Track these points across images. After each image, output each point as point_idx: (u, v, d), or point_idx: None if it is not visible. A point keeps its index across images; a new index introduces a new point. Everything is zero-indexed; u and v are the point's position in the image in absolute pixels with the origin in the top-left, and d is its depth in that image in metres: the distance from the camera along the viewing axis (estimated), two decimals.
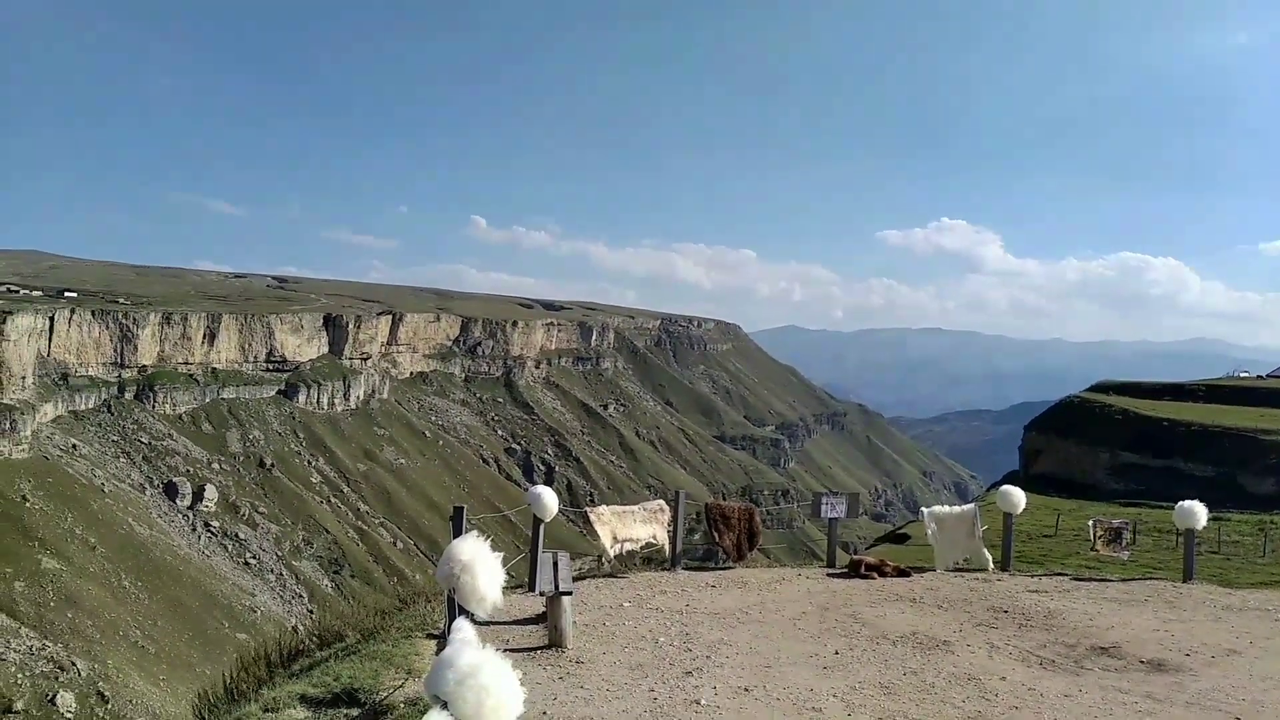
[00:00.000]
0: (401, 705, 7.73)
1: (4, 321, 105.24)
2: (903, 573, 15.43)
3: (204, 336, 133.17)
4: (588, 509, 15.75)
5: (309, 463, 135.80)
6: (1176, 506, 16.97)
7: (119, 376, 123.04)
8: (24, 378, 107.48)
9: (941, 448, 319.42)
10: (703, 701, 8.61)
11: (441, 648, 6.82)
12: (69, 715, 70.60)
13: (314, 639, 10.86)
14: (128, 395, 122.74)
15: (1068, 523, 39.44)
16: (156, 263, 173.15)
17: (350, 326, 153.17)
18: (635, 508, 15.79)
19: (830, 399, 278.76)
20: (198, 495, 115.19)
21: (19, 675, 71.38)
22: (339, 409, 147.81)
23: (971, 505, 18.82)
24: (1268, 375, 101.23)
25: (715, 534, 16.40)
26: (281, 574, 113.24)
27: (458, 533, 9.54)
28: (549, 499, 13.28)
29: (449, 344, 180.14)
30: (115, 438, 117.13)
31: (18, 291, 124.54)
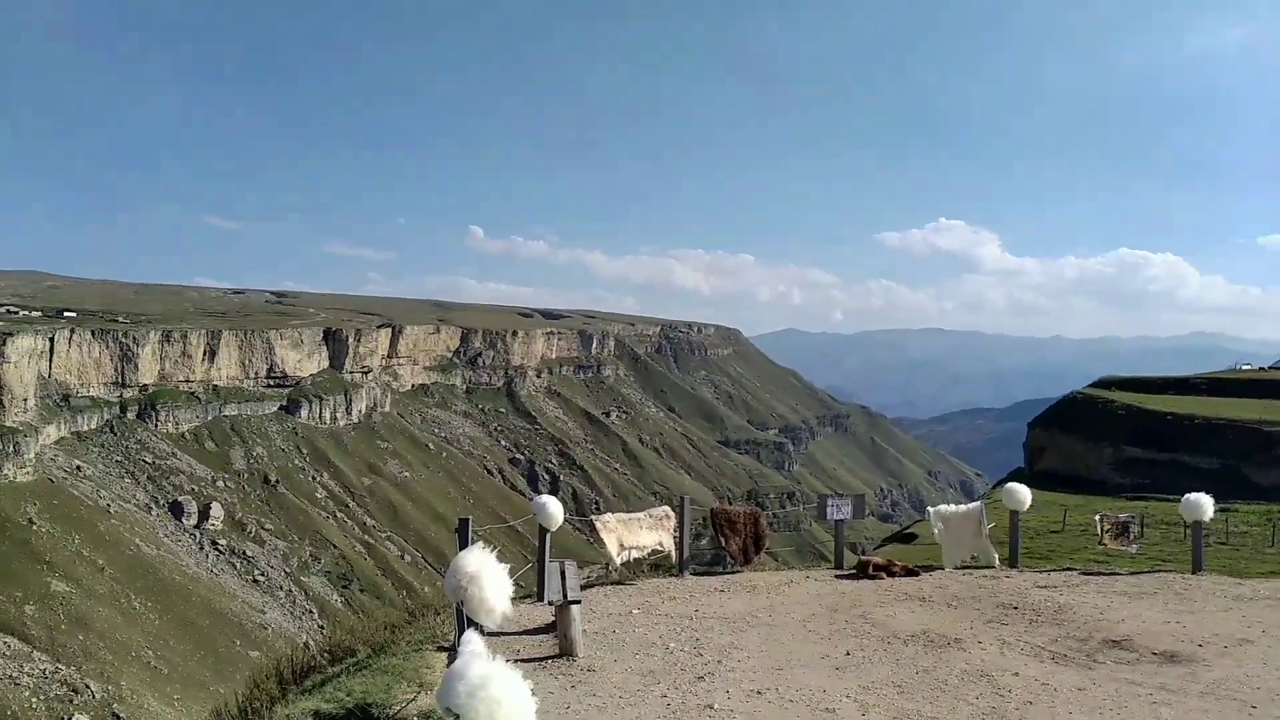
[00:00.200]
0: (415, 718, 7.73)
1: (4, 343, 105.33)
2: (911, 572, 15.41)
3: (204, 354, 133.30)
4: (594, 517, 15.74)
5: (313, 478, 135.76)
6: (1183, 499, 16.96)
7: (120, 396, 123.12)
8: (25, 400, 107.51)
9: (945, 447, 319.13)
10: (716, 705, 8.60)
11: (452, 660, 6.82)
12: None
13: (325, 655, 10.86)
14: (130, 415, 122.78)
15: (1074, 518, 39.36)
16: (155, 280, 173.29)
17: (350, 340, 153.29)
18: (641, 515, 15.78)
19: (833, 401, 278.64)
20: (204, 514, 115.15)
21: (33, 699, 71.30)
22: (341, 423, 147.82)
23: (977, 503, 18.82)
24: (1269, 368, 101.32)
25: (722, 539, 16.39)
26: (291, 590, 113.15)
27: (464, 544, 9.55)
28: (554, 508, 13.27)
29: (449, 355, 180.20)
30: (119, 458, 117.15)
31: (17, 313, 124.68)
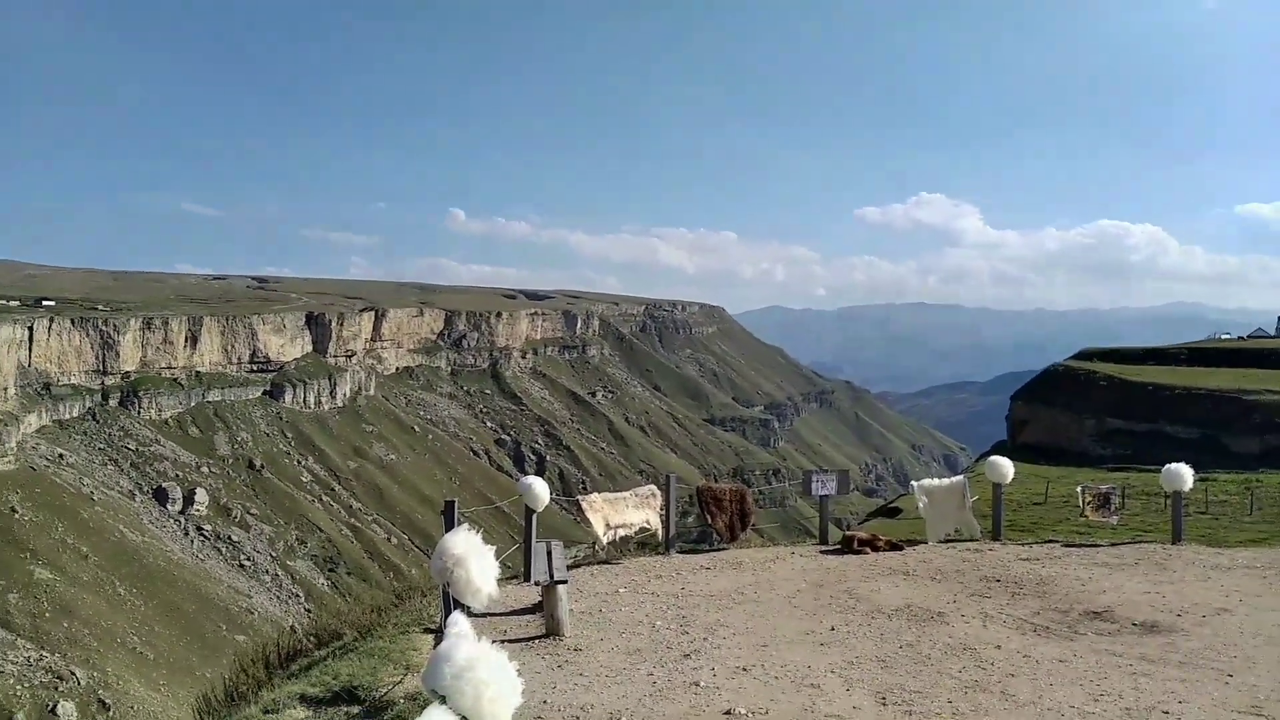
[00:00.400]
0: (401, 701, 7.74)
1: None
2: (895, 546, 15.52)
3: (186, 340, 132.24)
4: (580, 497, 15.77)
5: (299, 462, 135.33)
6: (1163, 469, 17.15)
7: (102, 384, 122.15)
8: (5, 389, 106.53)
9: (929, 421, 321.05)
10: (702, 683, 8.65)
11: (439, 642, 6.82)
12: None
13: (311, 638, 10.85)
14: (112, 402, 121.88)
15: (1056, 490, 39.71)
16: (134, 268, 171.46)
17: (333, 324, 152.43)
18: (627, 494, 15.82)
19: (817, 377, 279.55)
20: (188, 499, 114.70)
21: (18, 687, 71.08)
22: (326, 407, 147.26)
23: (960, 477, 18.96)
24: (1248, 336, 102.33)
25: (708, 516, 16.45)
26: (277, 574, 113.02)
27: (450, 526, 9.53)
28: (540, 489, 13.28)
29: (433, 338, 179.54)
30: (101, 445, 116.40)
31: None
